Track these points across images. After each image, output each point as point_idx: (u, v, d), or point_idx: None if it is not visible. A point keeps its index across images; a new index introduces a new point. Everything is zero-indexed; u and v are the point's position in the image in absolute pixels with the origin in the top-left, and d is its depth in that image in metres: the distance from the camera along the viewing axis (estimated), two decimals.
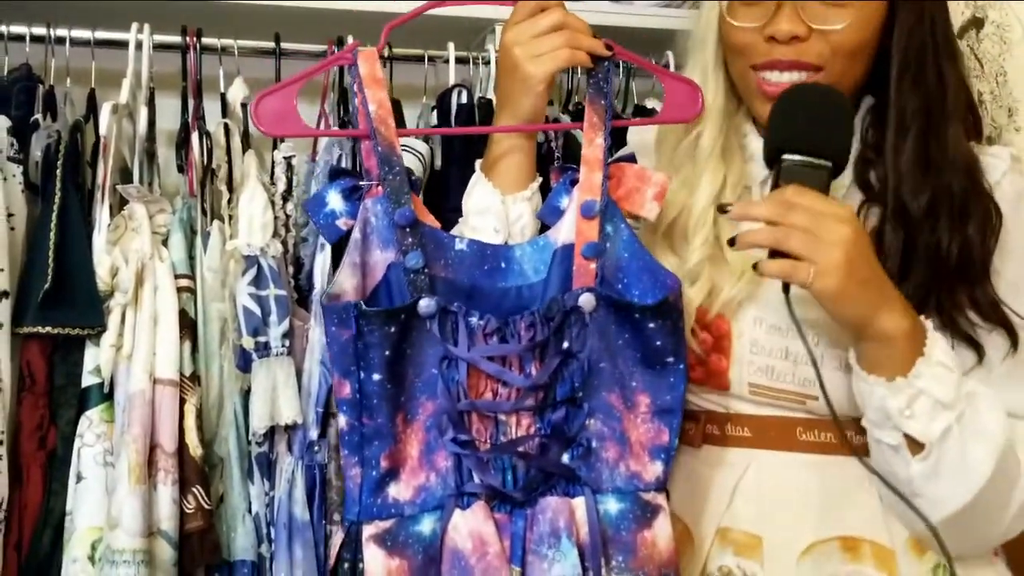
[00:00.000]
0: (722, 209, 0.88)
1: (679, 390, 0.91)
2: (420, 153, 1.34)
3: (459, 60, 1.47)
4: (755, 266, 0.85)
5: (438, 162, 1.38)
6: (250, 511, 1.21)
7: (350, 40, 1.41)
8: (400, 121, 1.46)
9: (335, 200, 0.89)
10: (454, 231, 1.00)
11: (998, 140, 1.25)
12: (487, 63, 1.47)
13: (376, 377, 0.85)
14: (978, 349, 0.91)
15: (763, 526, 0.94)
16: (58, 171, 1.19)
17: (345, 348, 0.84)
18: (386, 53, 1.42)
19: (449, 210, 1.33)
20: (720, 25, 0.98)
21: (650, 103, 1.54)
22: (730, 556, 0.95)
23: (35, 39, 1.31)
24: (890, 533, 0.93)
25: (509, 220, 0.94)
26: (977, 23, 1.30)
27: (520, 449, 0.88)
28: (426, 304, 0.85)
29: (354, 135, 0.92)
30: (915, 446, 0.86)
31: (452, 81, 1.46)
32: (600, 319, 0.89)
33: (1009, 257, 0.93)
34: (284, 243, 1.29)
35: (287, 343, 1.21)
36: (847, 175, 0.95)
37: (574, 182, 0.93)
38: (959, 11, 1.31)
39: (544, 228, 0.96)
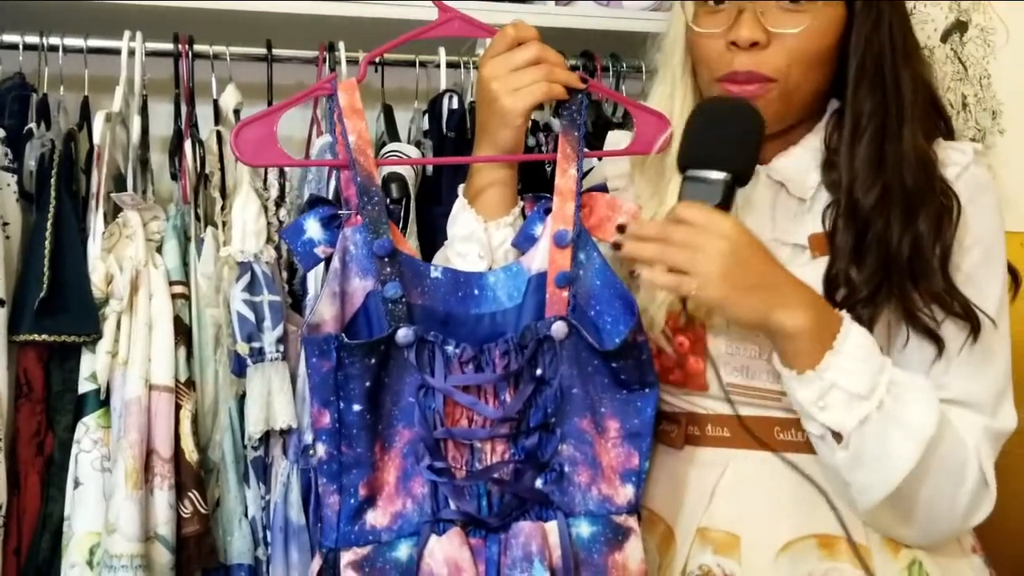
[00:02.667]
0: (616, 246, 0.90)
1: (648, 414, 0.92)
2: (411, 158, 1.35)
3: (450, 65, 1.47)
4: (633, 274, 0.89)
5: (429, 168, 1.39)
6: (246, 515, 1.22)
7: (341, 45, 1.42)
8: (392, 126, 1.47)
9: (313, 228, 0.90)
10: (439, 254, 1.02)
11: (982, 142, 1.26)
12: (477, 67, 1.48)
13: (356, 408, 0.85)
14: (939, 342, 0.93)
15: (741, 525, 0.96)
16: (52, 180, 1.21)
17: (326, 379, 0.85)
18: (376, 59, 1.43)
19: (440, 215, 1.34)
20: (687, 34, 0.99)
21: None
22: (709, 555, 0.97)
23: (28, 47, 1.32)
24: (865, 531, 0.95)
25: (492, 246, 0.96)
26: (961, 27, 1.31)
27: (495, 475, 0.90)
28: (404, 334, 0.86)
29: (333, 165, 0.93)
30: (838, 435, 0.89)
31: (443, 86, 1.47)
32: (571, 346, 0.91)
33: (966, 249, 0.94)
34: (278, 248, 1.30)
35: (281, 348, 1.22)
36: (816, 177, 0.98)
37: (548, 210, 0.95)
38: (943, 15, 1.32)
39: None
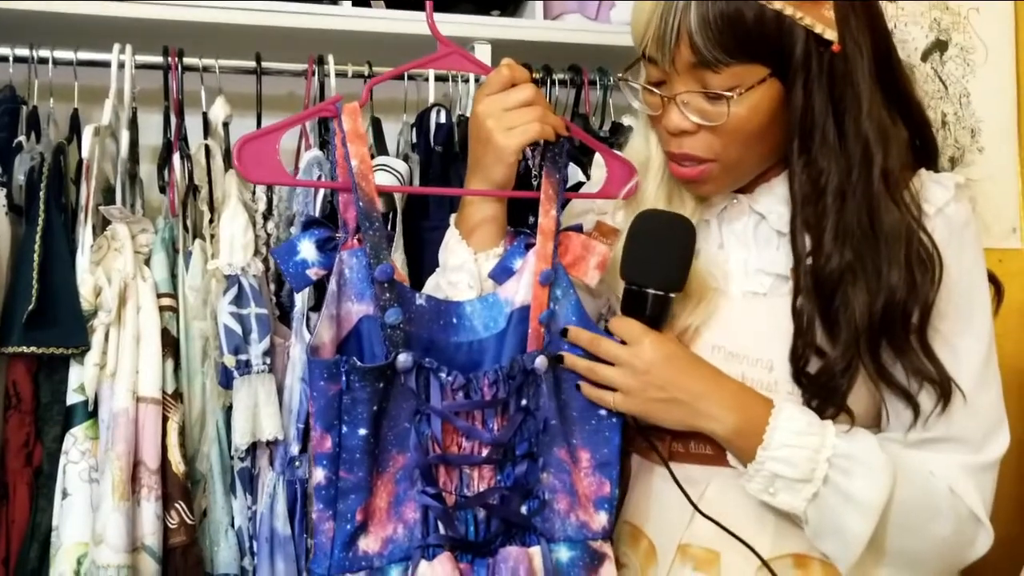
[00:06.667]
0: (559, 359, 0.96)
1: (615, 443, 0.96)
2: (399, 172, 1.36)
3: (438, 78, 1.49)
4: (577, 387, 0.96)
5: (416, 181, 1.41)
6: (233, 525, 1.24)
7: (330, 59, 1.44)
8: (380, 138, 1.48)
9: (308, 250, 0.91)
10: (431, 280, 1.04)
11: (960, 160, 1.28)
12: (466, 81, 1.49)
13: (362, 432, 0.86)
14: (915, 407, 0.94)
15: (721, 542, 0.97)
16: (41, 193, 1.22)
17: (331, 402, 0.85)
18: (365, 72, 1.45)
19: (428, 229, 1.36)
20: None
21: (627, 120, 1.56)
22: (689, 571, 0.98)
23: (18, 59, 1.33)
24: None
25: (481, 276, 0.98)
26: (941, 46, 1.32)
27: (485, 502, 0.91)
28: (404, 359, 0.88)
29: (336, 188, 0.94)
30: None
31: (432, 98, 1.48)
32: (550, 380, 0.94)
33: (941, 299, 0.93)
34: (265, 261, 1.32)
35: (268, 360, 1.24)
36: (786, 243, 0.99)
37: (528, 246, 0.98)
38: (923, 34, 1.34)
39: None
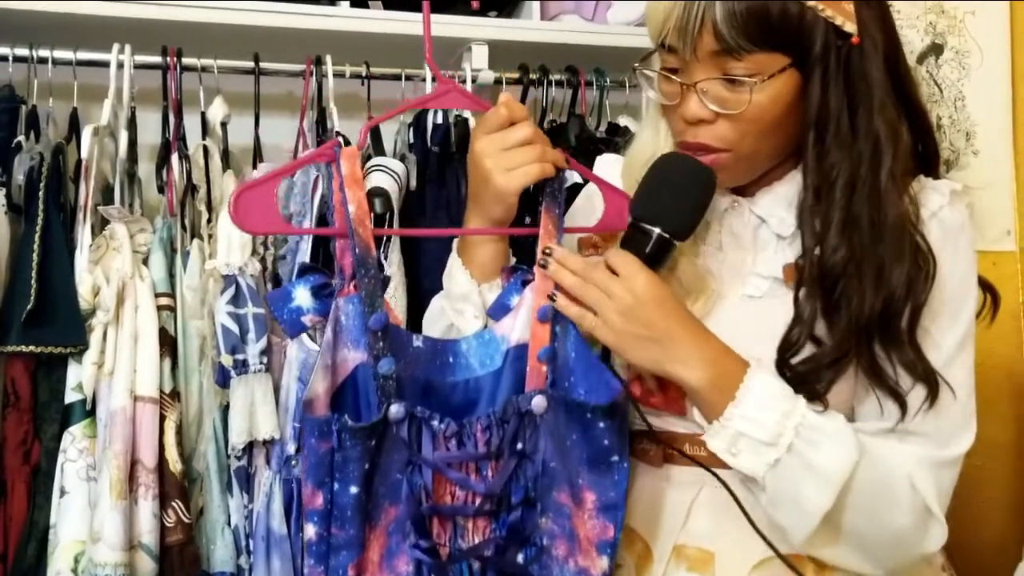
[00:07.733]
0: (542, 265, 0.94)
1: (623, 487, 0.92)
2: (396, 173, 1.37)
3: (436, 79, 1.49)
4: (552, 297, 0.93)
5: (413, 182, 1.41)
6: (229, 524, 1.25)
7: (328, 59, 1.44)
8: (377, 138, 1.49)
9: (303, 296, 0.90)
10: (434, 303, 1.03)
11: (956, 163, 1.28)
12: (463, 81, 1.50)
13: (353, 490, 0.84)
14: (903, 404, 0.93)
15: (716, 542, 0.97)
16: (40, 193, 1.23)
17: (323, 460, 0.84)
18: (363, 72, 1.46)
19: (424, 227, 1.37)
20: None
21: (623, 120, 1.57)
22: (684, 572, 0.98)
23: (18, 59, 1.34)
24: None
25: (485, 306, 0.98)
26: (937, 49, 1.33)
27: (480, 554, 0.90)
28: (396, 410, 0.86)
29: (331, 233, 0.92)
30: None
31: None
32: (550, 420, 0.90)
33: (937, 294, 0.93)
34: (263, 261, 1.32)
35: (265, 360, 1.25)
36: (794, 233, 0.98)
37: (525, 282, 0.96)
38: (919, 38, 1.34)
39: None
